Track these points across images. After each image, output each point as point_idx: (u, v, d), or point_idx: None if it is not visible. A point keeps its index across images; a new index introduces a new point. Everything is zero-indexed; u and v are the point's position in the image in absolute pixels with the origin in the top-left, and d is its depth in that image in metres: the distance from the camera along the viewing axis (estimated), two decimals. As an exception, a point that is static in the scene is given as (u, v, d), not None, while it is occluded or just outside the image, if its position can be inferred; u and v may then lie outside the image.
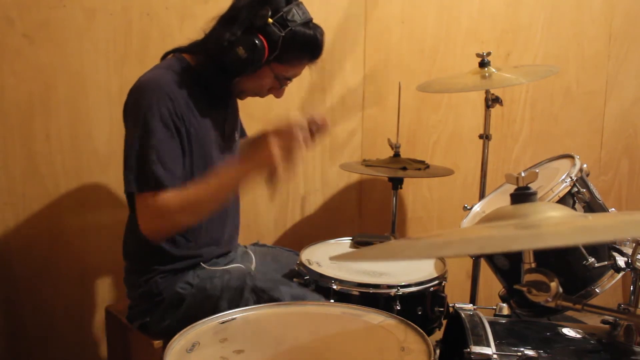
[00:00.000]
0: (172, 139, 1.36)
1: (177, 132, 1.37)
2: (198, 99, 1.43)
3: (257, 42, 1.36)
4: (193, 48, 1.48)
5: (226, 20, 1.42)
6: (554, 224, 0.83)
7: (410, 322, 1.16)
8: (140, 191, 1.34)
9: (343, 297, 1.48)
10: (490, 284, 1.98)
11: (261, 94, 1.52)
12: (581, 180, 1.51)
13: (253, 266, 1.64)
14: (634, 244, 1.13)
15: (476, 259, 1.97)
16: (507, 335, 1.13)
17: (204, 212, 1.40)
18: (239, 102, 1.65)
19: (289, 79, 1.49)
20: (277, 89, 1.51)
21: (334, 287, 1.49)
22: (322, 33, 1.45)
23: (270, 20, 1.36)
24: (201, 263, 1.51)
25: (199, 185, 1.35)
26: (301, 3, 1.42)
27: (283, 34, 1.37)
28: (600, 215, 0.96)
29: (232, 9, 1.43)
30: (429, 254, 1.10)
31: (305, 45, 1.42)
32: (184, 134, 1.39)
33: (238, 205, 1.67)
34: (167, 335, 1.16)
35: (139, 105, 1.35)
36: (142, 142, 1.33)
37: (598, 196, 1.56)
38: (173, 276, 1.48)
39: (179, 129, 1.38)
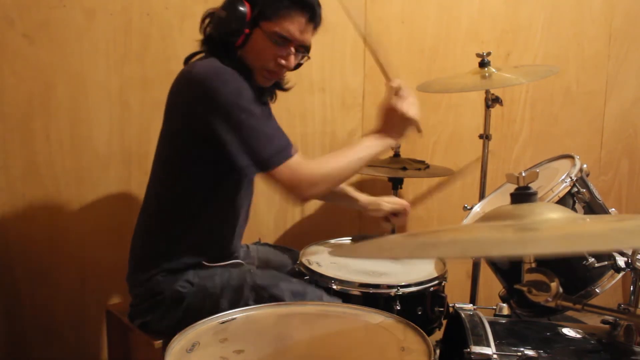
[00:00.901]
0: (265, 113, 1.42)
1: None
2: None
3: (235, 1, 1.36)
4: (204, 47, 1.48)
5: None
6: (550, 228, 0.83)
7: (410, 322, 1.16)
8: (277, 165, 1.35)
9: (343, 297, 1.48)
10: (490, 284, 1.98)
11: (269, 65, 1.44)
12: (581, 181, 1.51)
13: (255, 265, 1.64)
14: (634, 244, 1.13)
15: (476, 258, 1.97)
16: (507, 335, 1.13)
17: (349, 173, 1.48)
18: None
19: (286, 38, 1.41)
20: (282, 55, 1.43)
21: (334, 287, 1.49)
22: None
23: None
24: (203, 262, 1.51)
25: (348, 151, 1.46)
26: None
27: None
28: (598, 220, 0.96)
29: None
30: (419, 254, 1.09)
31: None
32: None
33: (248, 215, 1.67)
34: (168, 335, 1.16)
35: (224, 92, 1.33)
36: (252, 124, 1.34)
37: (598, 196, 1.56)
38: (174, 275, 1.48)
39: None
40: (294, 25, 1.41)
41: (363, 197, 1.80)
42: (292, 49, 1.44)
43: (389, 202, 1.78)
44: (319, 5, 1.45)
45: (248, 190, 1.59)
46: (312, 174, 1.38)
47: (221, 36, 1.40)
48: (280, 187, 1.38)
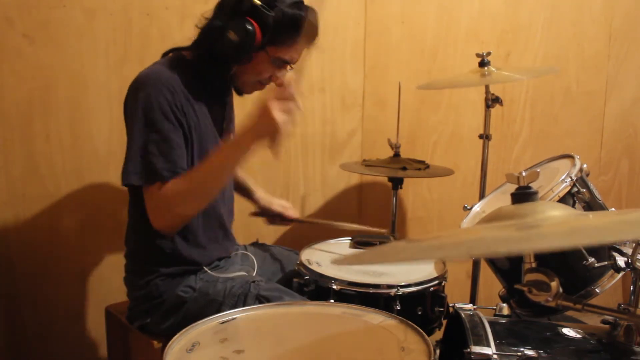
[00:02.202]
0: (174, 130, 1.36)
1: (179, 123, 1.38)
2: (197, 93, 1.43)
3: (247, 24, 1.36)
4: (190, 45, 1.48)
5: (216, 12, 1.44)
6: (554, 225, 0.83)
7: (410, 322, 1.16)
8: (146, 184, 1.34)
9: (343, 297, 1.48)
10: (490, 284, 1.98)
11: (262, 82, 1.50)
12: (581, 180, 1.51)
13: (255, 270, 1.63)
14: (634, 244, 1.13)
15: (476, 258, 1.98)
16: (507, 335, 1.13)
17: (211, 191, 1.39)
18: (239, 100, 1.65)
19: (287, 62, 1.47)
20: (277, 76, 1.48)
21: (334, 287, 1.49)
22: (314, 14, 1.44)
23: (257, 2, 1.37)
24: (204, 267, 1.51)
25: (202, 165, 1.36)
26: None
27: (272, 14, 1.37)
28: (601, 214, 0.96)
29: (221, 0, 1.44)
30: (424, 256, 1.09)
31: (297, 24, 1.41)
32: (185, 124, 1.40)
33: (232, 204, 1.67)
34: (167, 336, 1.16)
35: (138, 99, 1.36)
36: (143, 135, 1.34)
37: (598, 196, 1.56)
38: (173, 279, 1.48)
39: (180, 120, 1.38)
40: (297, 52, 1.46)
41: (259, 191, 1.79)
42: (287, 68, 1.49)
43: (278, 205, 1.78)
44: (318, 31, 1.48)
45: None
46: (167, 205, 1.34)
47: (226, 55, 1.40)
48: (147, 208, 1.37)
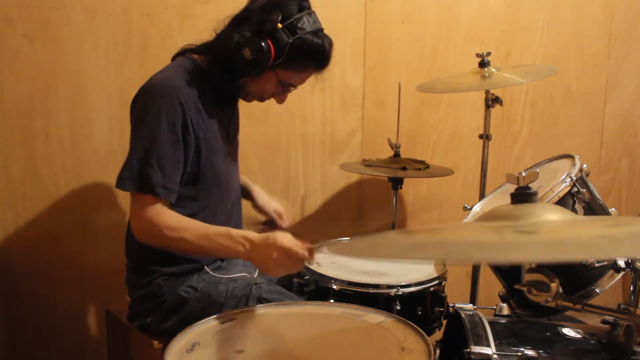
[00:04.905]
0: (176, 145, 1.36)
1: (183, 138, 1.37)
2: (207, 100, 1.44)
3: (263, 45, 1.36)
4: (203, 48, 1.48)
5: (237, 22, 1.43)
6: (545, 232, 0.82)
7: (410, 322, 1.16)
8: (138, 192, 1.34)
9: (343, 297, 1.48)
10: (490, 284, 1.98)
11: (264, 97, 1.53)
12: (581, 180, 1.51)
13: (257, 271, 1.63)
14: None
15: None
16: (507, 335, 1.13)
17: (188, 252, 1.41)
18: (240, 102, 1.65)
19: (293, 85, 1.49)
20: (280, 94, 1.51)
21: (334, 287, 1.49)
22: (330, 43, 1.46)
23: (279, 25, 1.37)
24: (205, 267, 1.51)
25: (198, 229, 1.34)
26: (313, 12, 1.43)
27: (291, 41, 1.38)
28: (592, 223, 0.94)
29: (245, 10, 1.44)
30: (406, 256, 1.08)
31: (312, 53, 1.42)
32: (192, 138, 1.39)
33: (241, 208, 1.67)
34: (168, 336, 1.16)
35: (148, 107, 1.35)
36: (146, 145, 1.34)
37: (598, 196, 1.56)
38: (176, 279, 1.48)
39: (186, 134, 1.38)
40: (303, 77, 1.49)
41: (257, 189, 1.76)
42: (290, 90, 1.52)
43: (277, 206, 1.73)
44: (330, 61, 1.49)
45: (225, 192, 1.55)
46: (156, 224, 1.32)
47: (237, 68, 1.40)
48: (130, 212, 1.38)
